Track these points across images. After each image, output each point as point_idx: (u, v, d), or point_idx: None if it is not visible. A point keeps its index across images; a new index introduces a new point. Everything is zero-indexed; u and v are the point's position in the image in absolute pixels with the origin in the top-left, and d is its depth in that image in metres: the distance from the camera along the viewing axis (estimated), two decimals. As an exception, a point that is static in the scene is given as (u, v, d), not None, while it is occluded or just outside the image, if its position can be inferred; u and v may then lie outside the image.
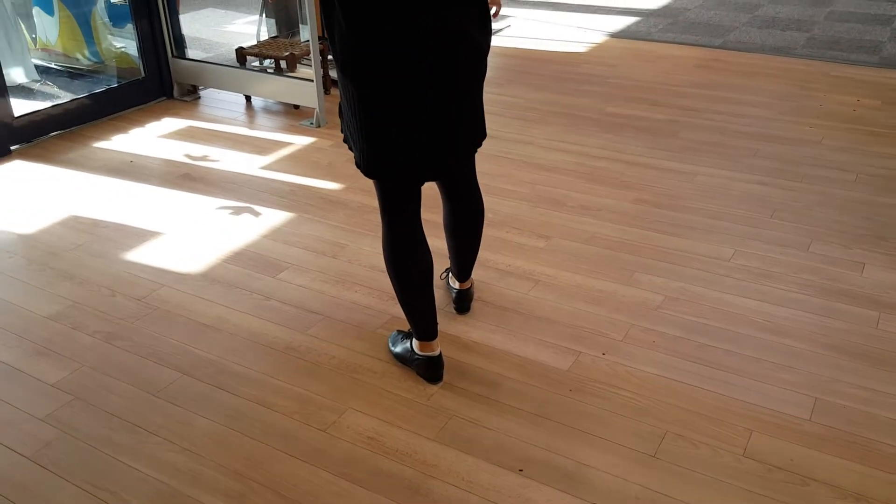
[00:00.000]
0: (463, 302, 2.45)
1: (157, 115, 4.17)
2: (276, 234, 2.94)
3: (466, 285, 2.44)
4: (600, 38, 5.57)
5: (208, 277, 2.67)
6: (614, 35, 5.66)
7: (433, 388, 2.13)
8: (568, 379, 2.15)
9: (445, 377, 2.16)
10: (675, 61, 5.03)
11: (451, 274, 2.47)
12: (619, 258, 2.74)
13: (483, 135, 2.09)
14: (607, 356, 2.24)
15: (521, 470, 1.86)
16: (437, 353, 2.14)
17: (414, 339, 2.15)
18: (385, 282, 2.61)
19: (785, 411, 2.02)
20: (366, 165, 1.95)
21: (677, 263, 2.71)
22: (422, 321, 2.12)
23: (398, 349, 2.24)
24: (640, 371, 2.18)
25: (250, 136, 3.90)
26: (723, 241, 2.84)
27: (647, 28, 5.80)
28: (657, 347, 2.28)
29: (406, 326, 2.25)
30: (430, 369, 2.14)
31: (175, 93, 4.39)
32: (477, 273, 2.66)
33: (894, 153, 3.57)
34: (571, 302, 2.50)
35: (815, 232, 2.90)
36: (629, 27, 5.84)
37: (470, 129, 2.01)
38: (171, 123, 4.07)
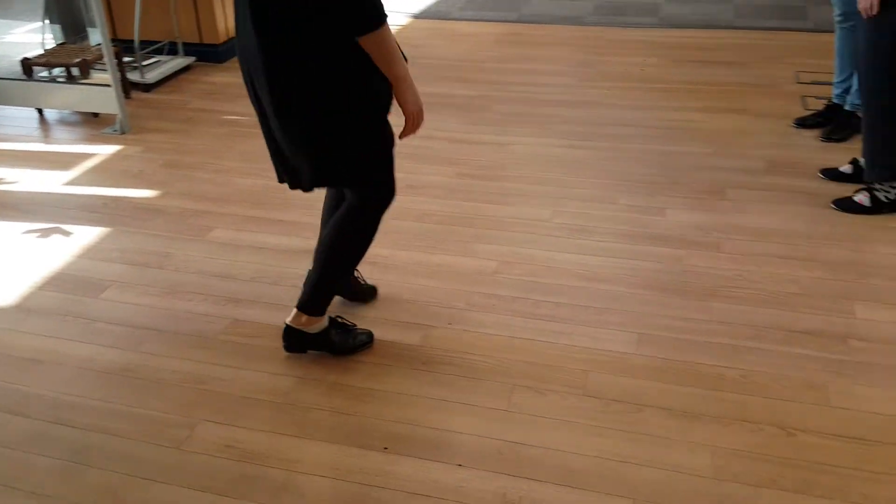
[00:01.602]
0: (287, 337, 2.17)
1: (-68, 139, 3.75)
2: (93, 253, 2.76)
3: (294, 320, 2.13)
4: (404, 20, 5.66)
5: (23, 308, 2.46)
6: (417, 16, 5.77)
7: (288, 386, 2.11)
8: (420, 353, 2.22)
9: (301, 372, 2.15)
10: (477, 38, 5.22)
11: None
12: (453, 231, 2.84)
13: (339, 178, 1.97)
14: (454, 325, 2.33)
15: (385, 448, 1.90)
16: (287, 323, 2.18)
17: None
18: (222, 286, 2.54)
19: (614, 349, 2.21)
20: None
21: (505, 230, 2.85)
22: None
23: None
24: (484, 334, 2.29)
25: (48, 152, 3.61)
26: (542, 204, 3.02)
27: (448, 7, 5.96)
28: (497, 310, 2.40)
29: (275, 315, 2.23)
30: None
31: (-50, 113, 3.96)
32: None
33: (678, 105, 3.95)
34: (413, 279, 2.56)
35: (621, 185, 3.15)
36: (430, 8, 5.97)
37: (308, 158, 1.90)
38: (-50, 147, 3.67)
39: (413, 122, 1.86)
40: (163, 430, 1.97)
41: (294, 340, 2.17)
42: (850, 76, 3.42)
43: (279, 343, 2.21)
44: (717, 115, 3.81)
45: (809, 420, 1.94)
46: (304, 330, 2.14)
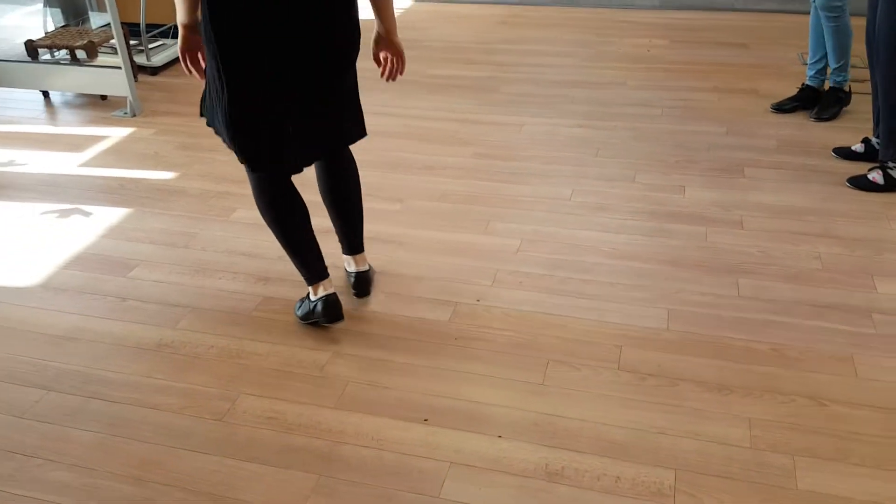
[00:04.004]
0: (361, 285, 2.37)
1: (-61, 121, 3.71)
2: (115, 233, 2.75)
3: (362, 266, 2.36)
4: (407, 4, 5.65)
5: (50, 287, 2.45)
6: (418, 0, 5.76)
7: (324, 360, 2.13)
8: (452, 329, 2.24)
9: (335, 347, 2.17)
10: (479, 20, 5.22)
11: (344, 256, 2.39)
12: (473, 210, 2.86)
13: (358, 132, 2.19)
14: (482, 302, 2.35)
15: (426, 420, 1.92)
16: (331, 291, 2.18)
17: (309, 289, 2.19)
18: (250, 264, 2.55)
19: (645, 325, 2.24)
20: (239, 156, 1.99)
21: (525, 209, 2.87)
22: (308, 264, 2.17)
23: (301, 311, 2.24)
24: (514, 310, 2.31)
25: (59, 134, 3.58)
26: (560, 183, 3.05)
27: (449, -10, 5.95)
28: (525, 287, 2.42)
29: (302, 292, 2.27)
30: (327, 308, 2.17)
31: (-45, 95, 3.91)
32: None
33: (687, 85, 3.98)
34: (438, 257, 2.58)
35: (637, 164, 3.18)
36: (431, -10, 5.96)
37: (340, 121, 2.09)
38: (-42, 129, 3.63)
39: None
40: (204, 403, 1.99)
41: (366, 283, 2.37)
42: (823, 58, 3.46)
43: (313, 319, 2.23)
44: (726, 94, 3.85)
45: (839, 391, 1.98)
46: (369, 268, 2.40)
